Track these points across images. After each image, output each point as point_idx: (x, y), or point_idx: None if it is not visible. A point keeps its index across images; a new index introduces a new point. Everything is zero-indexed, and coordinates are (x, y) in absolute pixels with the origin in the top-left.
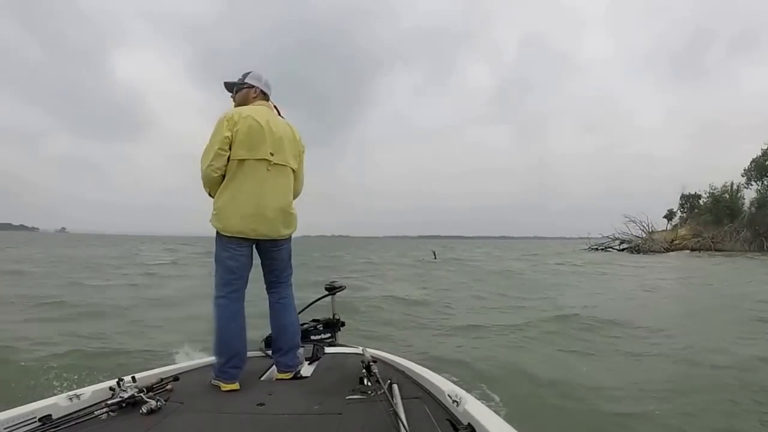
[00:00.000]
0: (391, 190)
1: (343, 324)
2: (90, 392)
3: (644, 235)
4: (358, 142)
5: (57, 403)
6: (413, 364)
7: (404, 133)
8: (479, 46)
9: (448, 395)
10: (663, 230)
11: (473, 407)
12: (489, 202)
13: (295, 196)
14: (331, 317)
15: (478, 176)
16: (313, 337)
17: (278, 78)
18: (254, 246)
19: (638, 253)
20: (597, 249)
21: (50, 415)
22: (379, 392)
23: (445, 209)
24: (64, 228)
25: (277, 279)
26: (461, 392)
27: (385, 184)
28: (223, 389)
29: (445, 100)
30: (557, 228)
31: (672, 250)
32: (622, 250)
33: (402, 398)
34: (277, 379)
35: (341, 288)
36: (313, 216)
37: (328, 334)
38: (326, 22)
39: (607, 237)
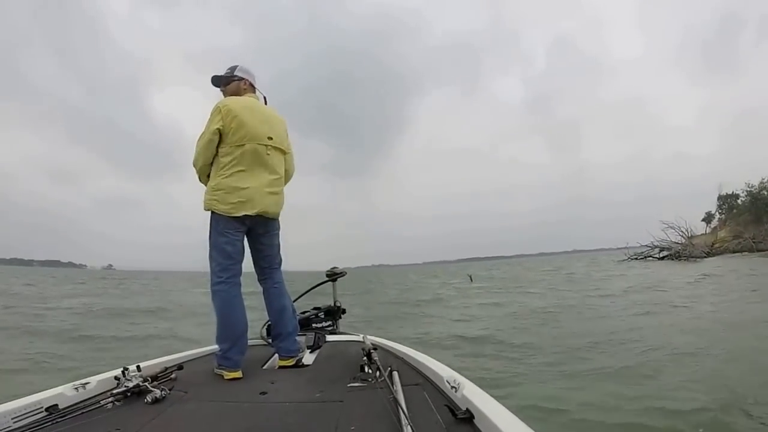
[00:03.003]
0: (427, 215)
1: (344, 311)
2: (95, 382)
3: (684, 241)
4: (393, 168)
5: (63, 393)
6: (413, 351)
7: (437, 154)
8: (507, 59)
9: (447, 381)
10: (702, 234)
11: (471, 393)
12: (525, 218)
13: (288, 178)
14: (332, 305)
15: (512, 193)
16: (314, 325)
17: (315, 108)
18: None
19: (679, 259)
20: (637, 258)
21: (56, 405)
22: (379, 379)
23: (482, 230)
24: (110, 265)
25: (269, 265)
26: (460, 378)
27: (421, 209)
28: (226, 378)
29: (476, 118)
30: (595, 240)
31: (713, 255)
32: (662, 258)
33: (402, 385)
34: (279, 367)
35: (342, 274)
36: (350, 248)
37: (329, 322)
38: (355, 50)
39: (646, 246)
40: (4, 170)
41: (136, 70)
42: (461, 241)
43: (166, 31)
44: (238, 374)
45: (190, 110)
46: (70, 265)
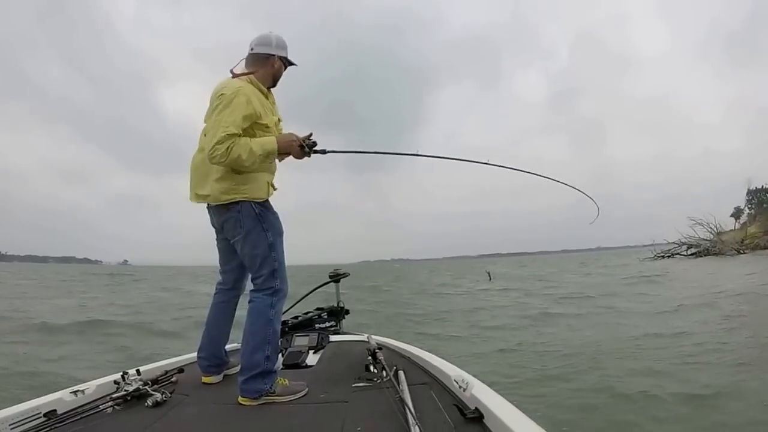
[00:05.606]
0: (447, 210)
1: (347, 312)
2: (94, 386)
3: (712, 237)
4: (410, 165)
5: (61, 398)
6: (419, 350)
7: (457, 151)
8: (527, 53)
9: (455, 380)
10: (731, 230)
11: (480, 392)
12: (546, 215)
13: (209, 156)
14: (336, 305)
15: (534, 189)
16: (317, 326)
17: (331, 104)
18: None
19: (707, 256)
20: (664, 256)
21: (55, 410)
22: (385, 379)
23: (504, 226)
24: (126, 260)
25: (251, 278)
26: (468, 377)
27: (441, 204)
28: (202, 381)
29: (496, 114)
30: (620, 237)
31: (743, 251)
32: (691, 255)
33: (408, 384)
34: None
35: (345, 275)
36: (369, 242)
37: (332, 322)
38: (369, 42)
39: (673, 242)
40: (18, 170)
41: (144, 68)
42: (482, 237)
43: (174, 27)
44: (210, 379)
45: (202, 107)
46: (86, 261)
